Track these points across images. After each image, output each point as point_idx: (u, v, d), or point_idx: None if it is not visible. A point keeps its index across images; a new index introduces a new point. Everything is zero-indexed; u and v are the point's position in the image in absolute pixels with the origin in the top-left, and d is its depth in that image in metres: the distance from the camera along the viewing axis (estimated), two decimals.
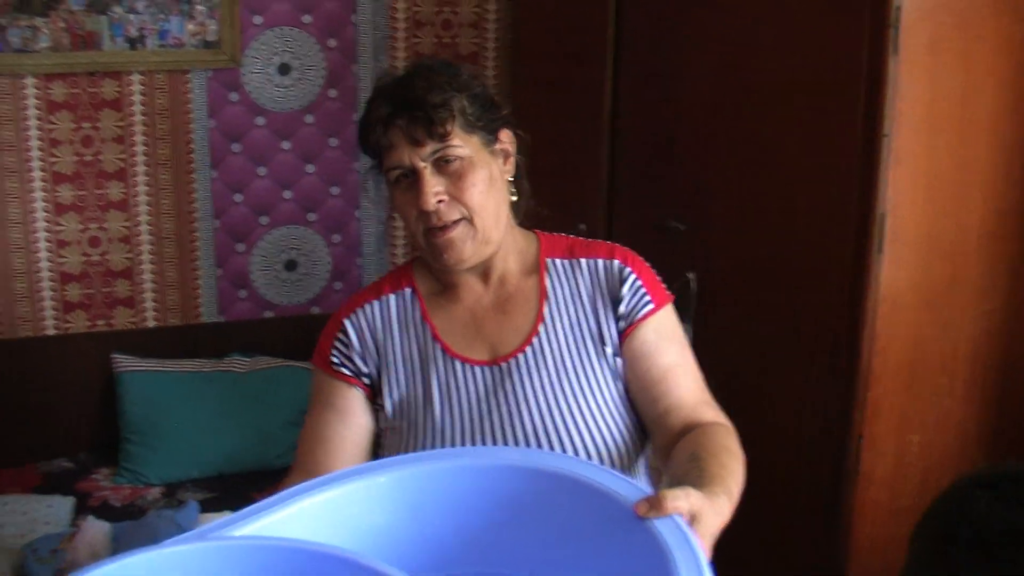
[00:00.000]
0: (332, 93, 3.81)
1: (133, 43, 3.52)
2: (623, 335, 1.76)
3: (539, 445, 1.70)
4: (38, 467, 3.58)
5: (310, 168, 3.85)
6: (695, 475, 1.48)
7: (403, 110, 1.68)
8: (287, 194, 3.84)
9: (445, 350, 1.77)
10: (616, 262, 1.79)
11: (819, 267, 2.48)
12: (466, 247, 1.72)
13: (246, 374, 3.67)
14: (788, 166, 2.55)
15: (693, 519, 1.31)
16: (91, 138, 3.58)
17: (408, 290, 1.82)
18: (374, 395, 1.79)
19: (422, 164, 1.68)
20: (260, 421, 3.61)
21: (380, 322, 1.80)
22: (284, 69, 3.74)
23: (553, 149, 3.69)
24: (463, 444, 1.72)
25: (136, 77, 3.58)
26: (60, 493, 3.36)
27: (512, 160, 1.79)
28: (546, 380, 1.74)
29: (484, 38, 3.93)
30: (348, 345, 1.79)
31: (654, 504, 1.26)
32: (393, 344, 1.79)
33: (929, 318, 2.45)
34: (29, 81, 3.47)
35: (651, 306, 1.76)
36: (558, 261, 1.81)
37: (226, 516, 1.27)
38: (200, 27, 3.58)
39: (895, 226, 2.33)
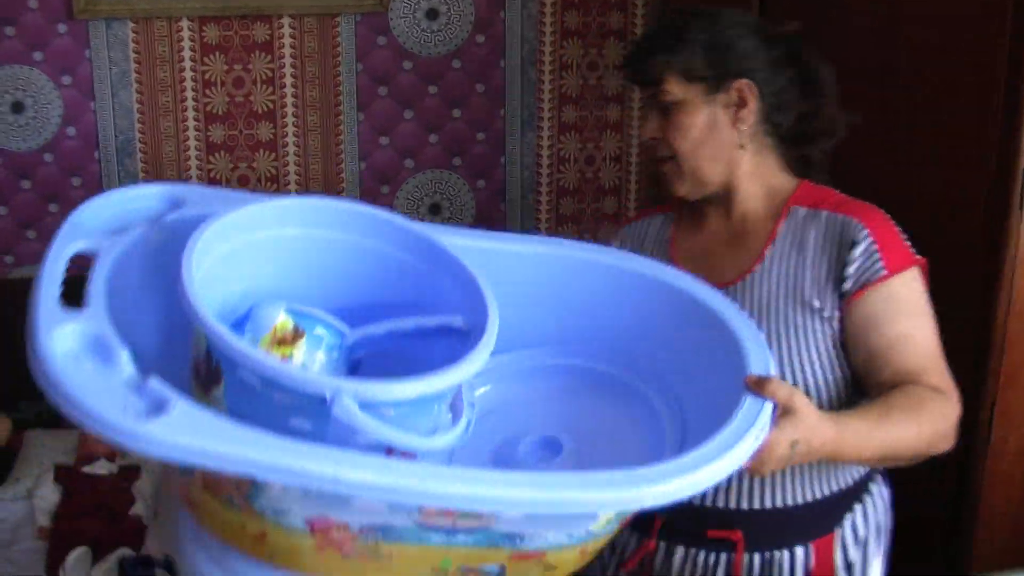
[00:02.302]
0: (479, 39, 3.82)
1: None
2: (850, 298, 1.72)
3: None
4: None
5: (456, 113, 3.87)
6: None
7: (628, 63, 1.87)
8: (433, 138, 3.87)
9: None
10: (854, 221, 1.74)
11: (951, 225, 2.36)
12: (676, 183, 1.82)
13: None
14: (921, 119, 2.44)
15: (784, 412, 1.39)
16: (242, 79, 3.68)
17: (671, 213, 1.94)
18: None
19: (647, 102, 1.84)
20: None
21: (639, 238, 1.94)
22: (432, 14, 3.76)
23: None
24: None
25: (287, 20, 3.65)
26: None
27: (747, 109, 1.78)
28: None
29: None
30: None
31: (760, 382, 1.37)
32: None
33: None
34: (184, 23, 3.58)
35: (883, 272, 1.70)
36: (801, 210, 1.80)
37: None
38: None
39: None
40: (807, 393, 1.69)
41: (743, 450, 1.30)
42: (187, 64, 3.63)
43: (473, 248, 1.49)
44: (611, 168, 4.02)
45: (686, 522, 1.77)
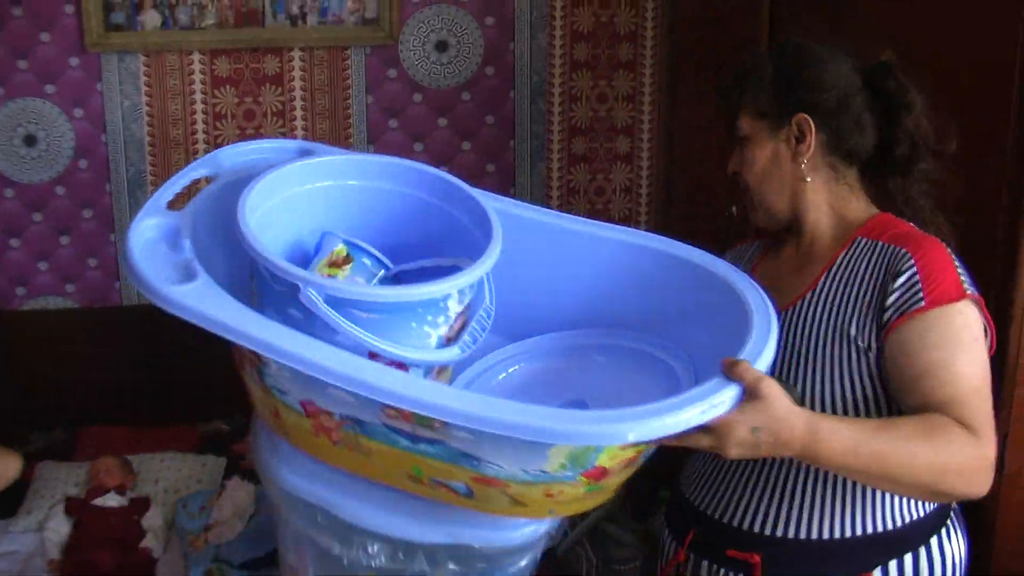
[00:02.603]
0: (489, 70, 3.83)
1: (294, 20, 3.62)
2: (889, 327, 1.71)
3: None
4: (197, 428, 3.73)
5: (466, 145, 3.88)
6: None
7: (717, 92, 1.95)
8: (444, 170, 3.87)
9: None
10: (904, 252, 1.74)
11: (964, 249, 2.36)
12: (752, 214, 1.92)
13: None
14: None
15: (750, 397, 1.47)
16: (253, 112, 3.70)
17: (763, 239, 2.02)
18: None
19: (730, 136, 1.92)
20: None
21: (736, 261, 1.94)
22: (442, 46, 3.78)
23: (708, 134, 3.64)
24: None
25: (297, 53, 3.68)
26: (215, 453, 3.50)
27: (807, 143, 1.83)
28: (788, 346, 1.79)
29: (643, 17, 3.88)
30: None
31: (732, 364, 1.47)
32: None
33: None
34: (196, 57, 3.61)
35: (921, 303, 1.69)
36: (863, 240, 1.82)
37: None
38: (359, 4, 3.65)
39: None
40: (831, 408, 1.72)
41: (681, 418, 1.40)
42: (198, 97, 3.65)
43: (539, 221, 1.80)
44: (621, 200, 4.03)
45: (712, 537, 1.82)
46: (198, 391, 3.77)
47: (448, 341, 1.56)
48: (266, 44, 3.63)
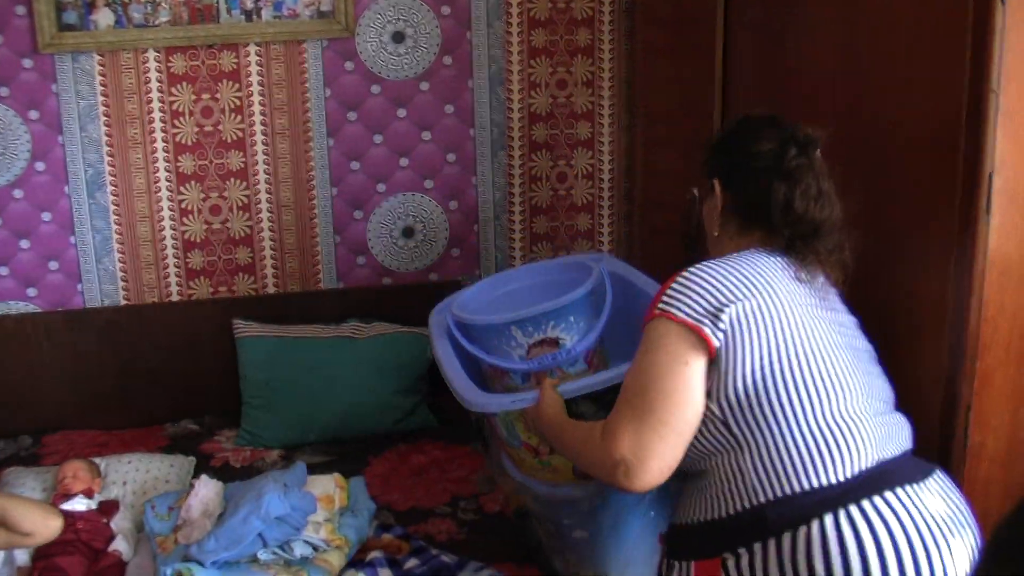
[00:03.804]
0: (447, 60, 3.82)
1: (249, 15, 3.59)
2: None
3: None
4: (165, 428, 3.72)
5: (426, 135, 3.87)
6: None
7: None
8: (404, 161, 3.87)
9: None
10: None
11: (923, 231, 2.37)
12: None
13: (364, 340, 3.73)
14: (890, 125, 2.45)
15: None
16: (210, 109, 3.67)
17: None
18: None
19: None
20: (377, 386, 3.66)
21: None
22: (398, 37, 3.76)
23: (667, 117, 3.64)
24: None
25: (253, 48, 3.65)
26: (184, 453, 3.48)
27: (715, 199, 2.24)
28: None
29: (600, 1, 3.87)
30: None
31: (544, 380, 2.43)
32: None
33: None
34: (151, 55, 3.58)
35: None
36: None
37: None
38: None
39: (1004, 186, 2.20)
40: None
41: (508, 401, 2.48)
42: (155, 95, 3.62)
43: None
44: (583, 185, 4.03)
45: None
46: (165, 392, 3.76)
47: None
48: (221, 40, 3.60)
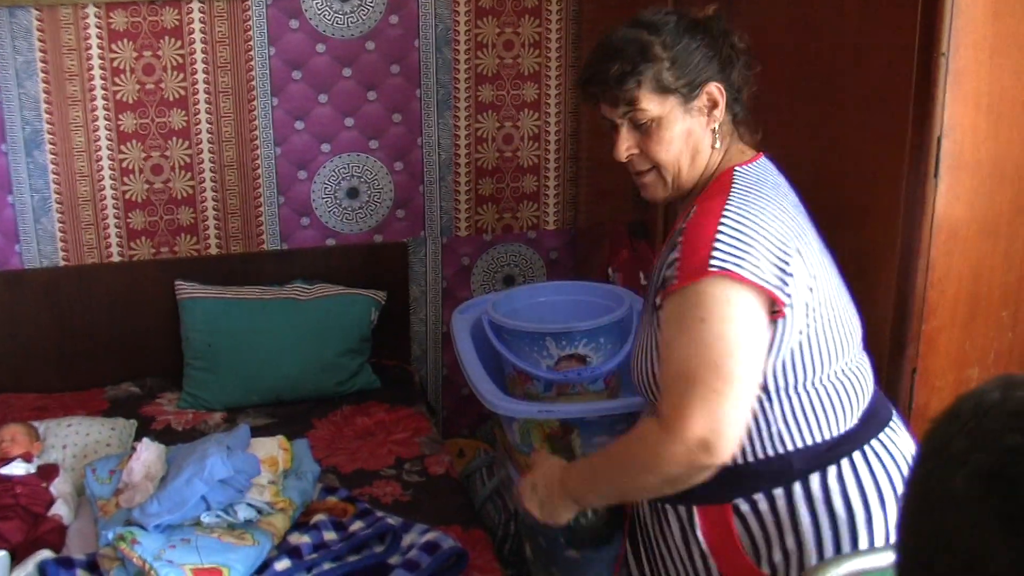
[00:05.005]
0: (393, 19, 3.77)
1: None
2: (658, 308, 1.87)
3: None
4: (106, 391, 3.67)
5: (372, 95, 3.83)
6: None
7: (593, 84, 1.95)
8: (349, 121, 3.83)
9: None
10: (684, 226, 1.85)
11: (871, 194, 2.39)
12: (658, 190, 1.98)
13: (308, 301, 3.69)
14: (841, 88, 2.46)
15: (530, 467, 2.17)
16: (152, 66, 3.60)
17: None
18: None
19: (619, 121, 1.94)
20: (321, 348, 3.64)
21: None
22: None
23: None
24: None
25: (196, 5, 3.58)
26: (125, 417, 3.44)
27: (719, 108, 1.92)
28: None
29: None
30: None
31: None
32: None
33: (990, 247, 2.34)
34: (91, 11, 3.50)
35: (675, 282, 1.79)
36: (695, 206, 1.92)
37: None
38: None
39: (953, 150, 2.22)
40: (641, 385, 1.95)
41: (531, 408, 2.59)
42: (95, 52, 3.54)
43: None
44: (529, 147, 4.01)
45: None
46: (106, 354, 3.71)
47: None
48: None
